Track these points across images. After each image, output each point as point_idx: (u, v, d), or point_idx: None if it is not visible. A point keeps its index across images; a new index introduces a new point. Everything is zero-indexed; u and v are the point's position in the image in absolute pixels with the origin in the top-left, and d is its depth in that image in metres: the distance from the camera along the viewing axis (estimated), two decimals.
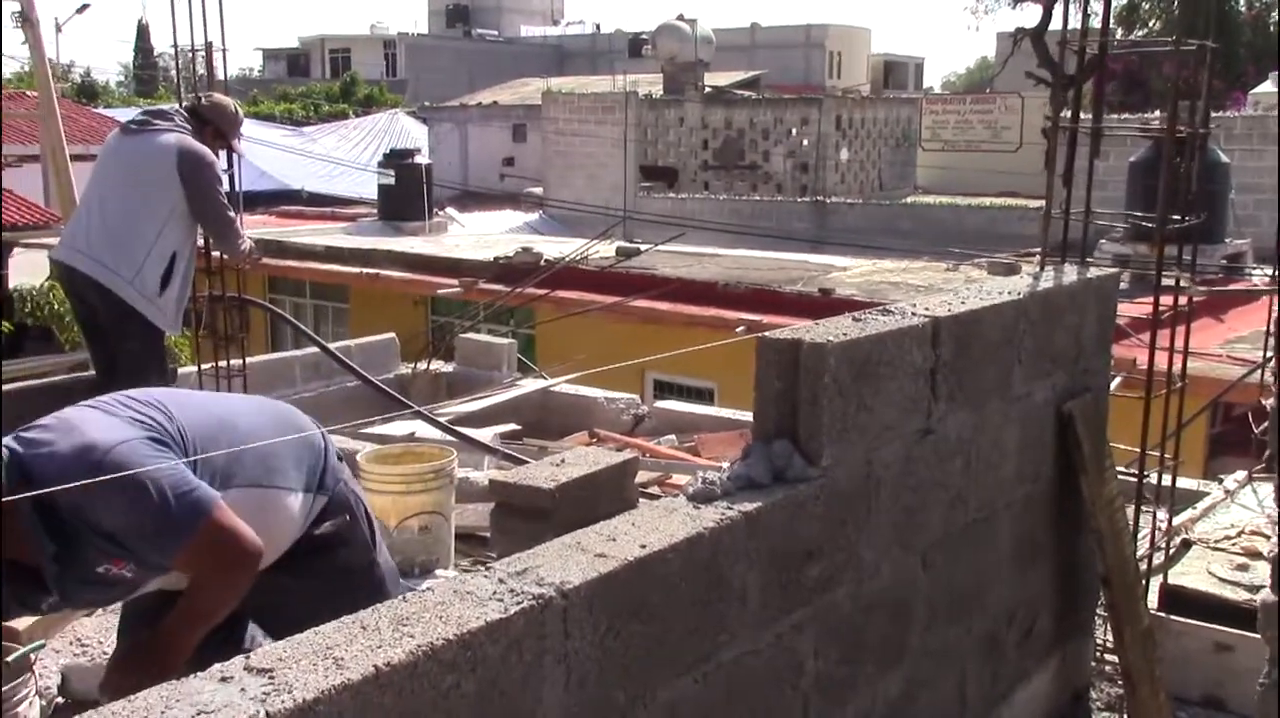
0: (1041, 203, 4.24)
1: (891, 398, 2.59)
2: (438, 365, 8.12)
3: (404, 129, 35.32)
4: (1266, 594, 3.34)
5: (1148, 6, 32.31)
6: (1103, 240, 11.61)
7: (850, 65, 49.25)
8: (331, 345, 7.23)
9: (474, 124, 31.08)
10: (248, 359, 6.10)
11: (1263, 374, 5.21)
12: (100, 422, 2.41)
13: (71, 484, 2.20)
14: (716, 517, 2.12)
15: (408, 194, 20.29)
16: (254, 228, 14.14)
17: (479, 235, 20.17)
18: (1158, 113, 16.97)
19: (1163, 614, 3.77)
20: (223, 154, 5.53)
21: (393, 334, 8.06)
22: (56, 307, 13.69)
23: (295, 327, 8.09)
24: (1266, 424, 4.90)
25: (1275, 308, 5.00)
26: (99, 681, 2.64)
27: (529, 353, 10.45)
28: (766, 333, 2.47)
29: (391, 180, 20.81)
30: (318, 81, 54.51)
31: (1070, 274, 3.50)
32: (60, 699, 3.67)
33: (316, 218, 23.96)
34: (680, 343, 6.50)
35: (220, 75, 5.97)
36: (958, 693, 3.06)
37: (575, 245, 14.13)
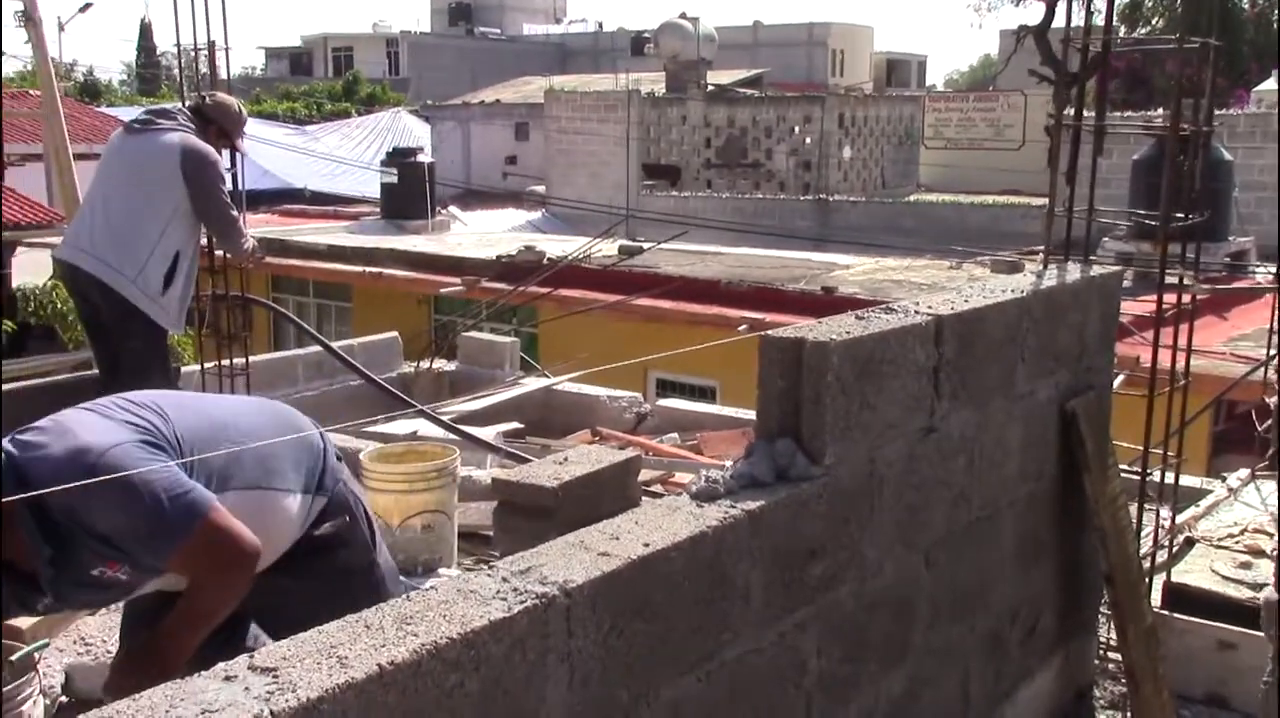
0: (1044, 201, 4.24)
1: (894, 396, 2.59)
2: (440, 364, 8.12)
3: (406, 127, 35.33)
4: (1269, 592, 3.35)
5: (1151, 4, 32.28)
6: (1106, 238, 11.60)
7: (853, 63, 49.22)
8: (334, 344, 7.23)
9: (476, 122, 31.08)
10: (251, 358, 6.10)
11: (1266, 372, 5.21)
12: (95, 425, 2.41)
13: (66, 487, 2.20)
14: (720, 515, 2.13)
15: (410, 193, 20.29)
16: (256, 227, 14.13)
17: (482, 234, 20.17)
18: (1161, 110, 16.95)
19: (1166, 612, 3.76)
20: (226, 153, 5.53)
21: (395, 333, 8.06)
22: (59, 306, 13.72)
23: (298, 325, 8.09)
24: (1270, 422, 4.90)
25: (1278, 306, 5.00)
26: (103, 680, 2.65)
27: (532, 351, 10.45)
28: (769, 331, 2.47)
29: (394, 179, 20.82)
30: (320, 80, 54.55)
31: (1073, 272, 3.50)
32: (64, 698, 3.67)
33: (319, 217, 23.96)
34: (683, 341, 6.50)
35: (223, 74, 5.97)
36: (961, 691, 3.06)
37: (578, 244, 14.14)
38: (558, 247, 15.37)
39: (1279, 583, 3.22)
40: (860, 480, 2.50)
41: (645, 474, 5.19)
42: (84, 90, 48.80)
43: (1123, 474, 3.65)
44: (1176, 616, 3.77)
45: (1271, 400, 4.95)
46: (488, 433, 6.26)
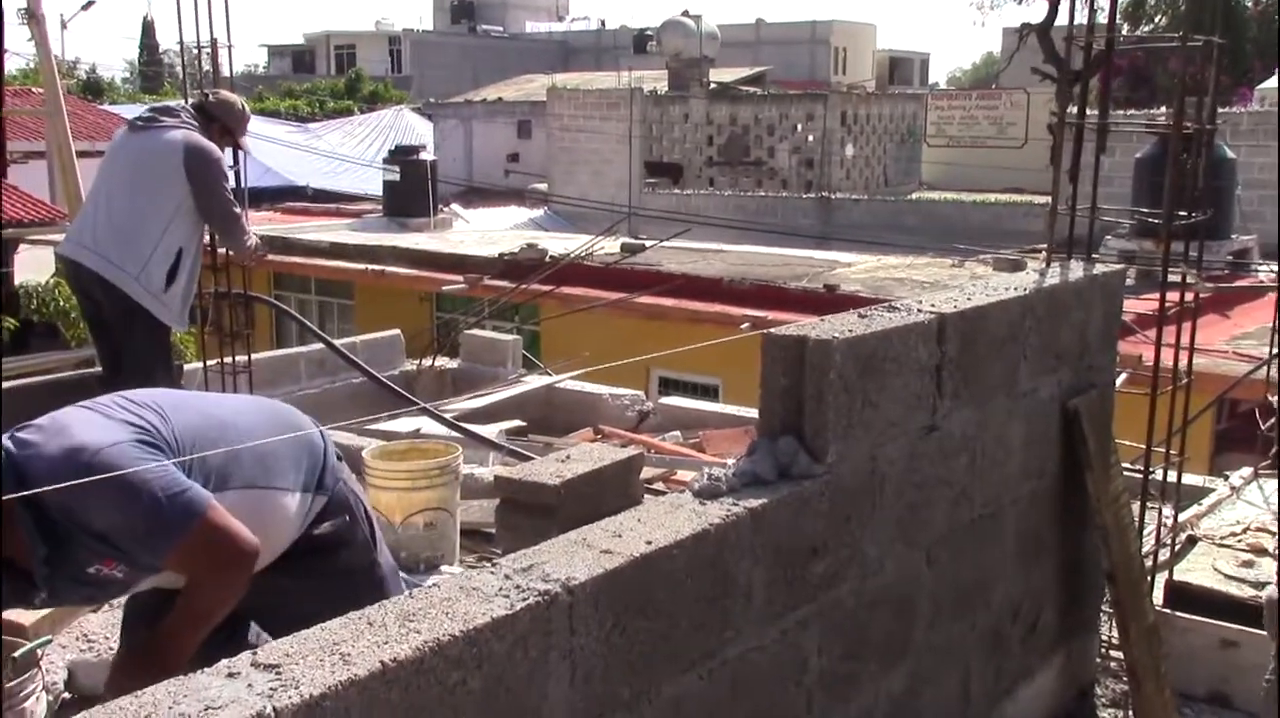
0: (1047, 199, 4.23)
1: (897, 394, 2.59)
2: (443, 362, 8.12)
3: (409, 125, 35.30)
4: (1271, 591, 3.35)
5: (1153, 2, 32.27)
6: (1108, 236, 11.59)
7: (855, 61, 49.20)
8: (337, 342, 7.23)
9: (479, 120, 31.06)
10: (253, 356, 6.11)
11: (1269, 370, 5.21)
12: (92, 423, 2.41)
13: (63, 485, 2.21)
14: (722, 513, 2.13)
15: (413, 190, 20.28)
16: (259, 224, 14.13)
17: (484, 232, 20.16)
18: (1164, 109, 16.93)
19: (1168, 611, 3.76)
20: (228, 151, 5.54)
21: (398, 330, 8.07)
22: (62, 303, 13.72)
23: (301, 323, 8.10)
24: (1272, 420, 4.90)
25: None
26: (105, 677, 2.65)
27: (534, 349, 10.45)
28: (772, 329, 2.47)
29: (396, 177, 20.80)
30: (323, 78, 54.53)
31: (1076, 270, 3.50)
32: (67, 695, 3.67)
33: (321, 214, 23.95)
34: (685, 339, 6.51)
35: (225, 72, 5.98)
36: (962, 689, 3.06)
37: (580, 242, 14.15)
38: (560, 244, 15.38)
39: None
40: (862, 479, 2.51)
41: (647, 472, 5.20)
42: (87, 88, 48.77)
43: (1125, 473, 3.65)
44: (1178, 614, 3.77)
45: (1274, 399, 4.95)
46: (490, 431, 6.26)
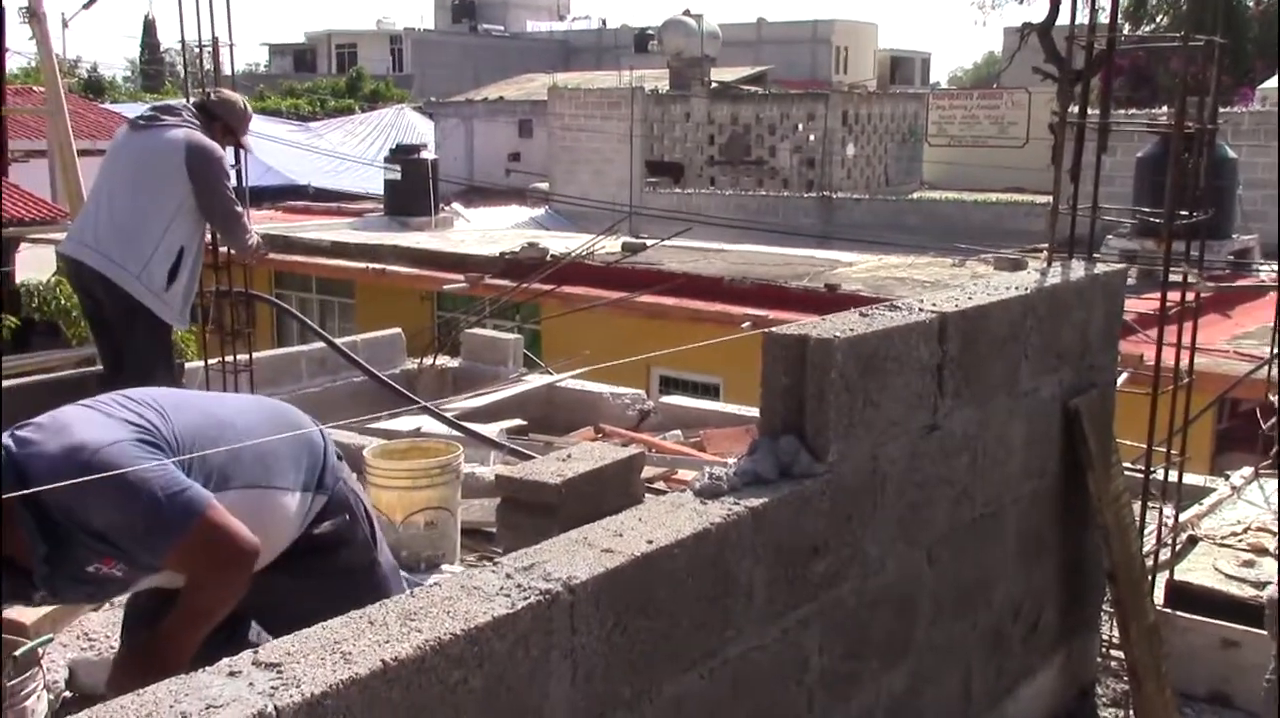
0: (1048, 198, 4.24)
1: (898, 394, 2.59)
2: (444, 361, 8.12)
3: (410, 124, 35.30)
4: (1272, 590, 3.35)
5: (1155, 1, 32.25)
6: (1110, 236, 11.59)
7: (857, 60, 49.20)
8: (338, 341, 7.24)
9: (480, 119, 31.07)
10: (254, 354, 6.11)
11: (1270, 370, 5.20)
12: (92, 422, 2.41)
13: (63, 484, 2.20)
14: (723, 512, 2.13)
15: (414, 189, 20.30)
16: (260, 223, 14.13)
17: (485, 231, 20.17)
18: (1165, 108, 16.94)
19: (1169, 610, 3.76)
20: (230, 150, 5.54)
21: (399, 329, 8.07)
22: (63, 302, 13.72)
23: (302, 322, 8.10)
24: (1273, 420, 4.90)
25: None
26: (106, 676, 2.65)
27: (535, 348, 10.45)
28: (773, 328, 2.47)
29: (398, 176, 20.81)
30: (324, 77, 54.51)
31: (1077, 270, 3.50)
32: (68, 694, 3.68)
33: (323, 213, 23.96)
34: (686, 339, 6.51)
35: (227, 70, 5.98)
36: (963, 688, 3.06)
37: (581, 241, 14.15)
38: (561, 243, 15.39)
39: None
40: (863, 478, 2.51)
41: (648, 471, 5.20)
42: (88, 87, 48.80)
43: (1126, 472, 3.65)
44: (1179, 613, 3.77)
45: (1275, 398, 4.95)
46: (491, 430, 6.26)
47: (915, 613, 2.78)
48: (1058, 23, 18.88)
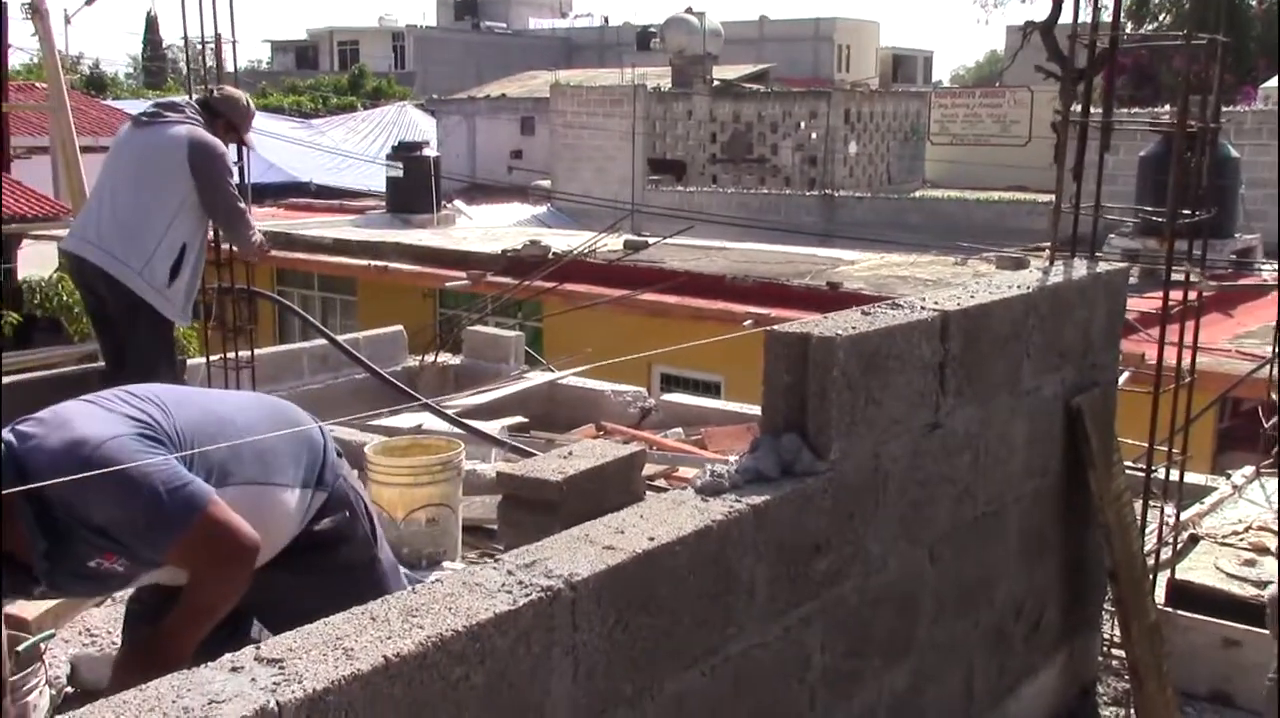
0: (1050, 197, 4.23)
1: (900, 392, 2.59)
2: (445, 358, 8.13)
3: (412, 121, 35.32)
4: (1273, 590, 3.35)
5: (1158, 0, 32.21)
6: (1112, 235, 11.58)
7: (859, 59, 49.20)
8: (339, 338, 7.24)
9: (482, 117, 31.08)
10: (256, 351, 6.11)
11: (1271, 369, 5.20)
12: (93, 417, 2.41)
13: (64, 479, 2.21)
14: (725, 510, 2.13)
15: (416, 187, 20.31)
16: (262, 220, 14.12)
17: (487, 228, 20.19)
18: (1168, 107, 16.92)
19: (1170, 609, 3.76)
20: (232, 147, 5.54)
21: (400, 327, 8.07)
22: (65, 298, 13.73)
23: (304, 319, 8.10)
24: (1275, 419, 4.90)
25: None
26: (108, 671, 2.65)
27: (536, 346, 10.45)
28: (775, 326, 2.47)
29: (399, 173, 20.83)
30: (326, 74, 54.54)
31: (1079, 269, 3.50)
32: (69, 689, 3.68)
33: (324, 210, 23.99)
34: (687, 336, 6.51)
35: (229, 67, 5.98)
36: (964, 687, 3.06)
37: (583, 238, 14.15)
38: (563, 241, 15.39)
39: None
40: (865, 476, 2.51)
41: (650, 469, 5.19)
42: (90, 83, 48.80)
43: (1127, 471, 3.65)
44: (1180, 612, 3.77)
45: (1276, 398, 4.95)
46: (492, 427, 6.27)
47: (917, 611, 2.78)
48: (1060, 21, 18.89)
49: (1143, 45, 21.57)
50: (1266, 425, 5.02)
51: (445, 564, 4.52)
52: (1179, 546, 4.06)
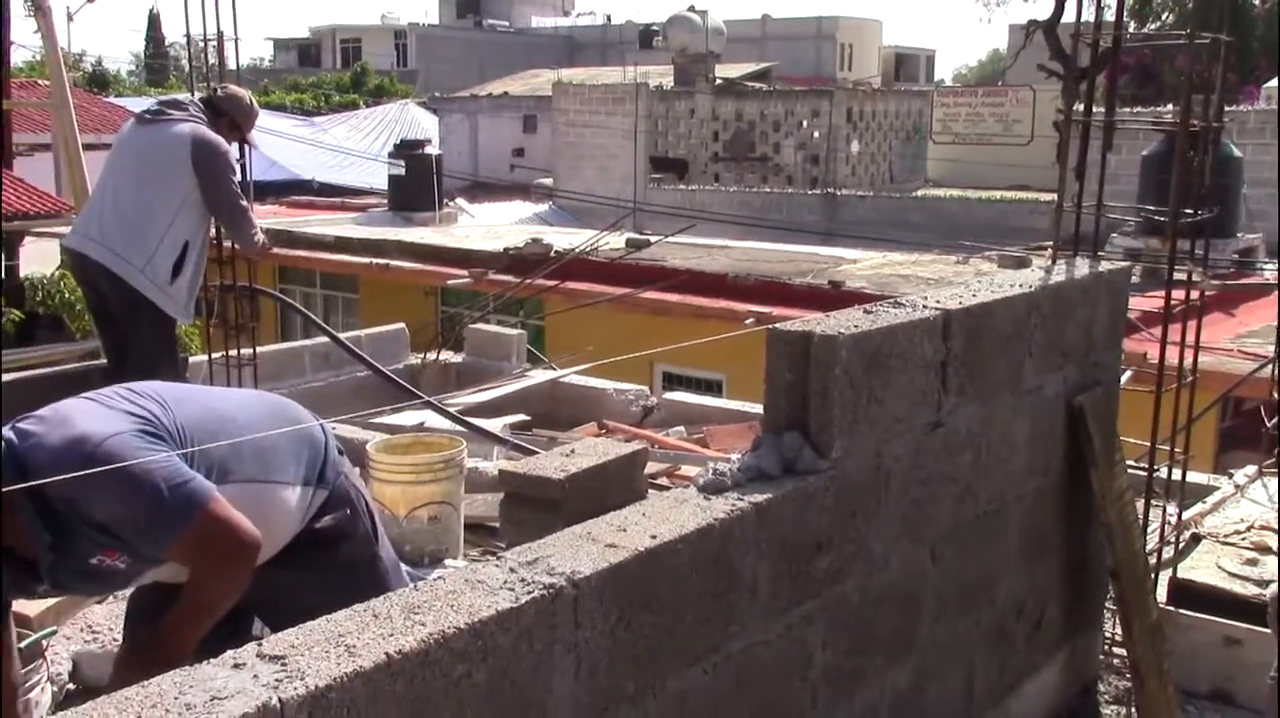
0: (1053, 196, 4.23)
1: (902, 391, 2.59)
2: (447, 356, 8.13)
3: (414, 119, 35.31)
4: (1274, 589, 3.35)
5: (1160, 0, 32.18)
6: (1114, 234, 11.57)
7: (861, 57, 49.17)
8: (341, 335, 7.24)
9: (484, 115, 31.05)
10: (258, 349, 6.12)
11: (1274, 369, 5.20)
12: (94, 414, 2.41)
13: (66, 477, 2.21)
14: (727, 508, 2.13)
15: (418, 185, 20.30)
16: (264, 218, 14.12)
17: (489, 226, 20.18)
18: (1170, 106, 16.91)
19: (1172, 608, 3.76)
20: (234, 145, 5.54)
21: (402, 324, 8.07)
22: (67, 295, 13.74)
23: (306, 316, 8.10)
24: (1276, 419, 4.89)
25: None
26: (110, 668, 2.65)
27: (538, 344, 10.46)
28: (777, 325, 2.47)
29: (402, 171, 20.82)
30: (328, 72, 54.51)
31: (1082, 268, 3.49)
32: (71, 686, 3.68)
33: (327, 208, 23.99)
34: (689, 335, 6.51)
35: (232, 65, 5.98)
36: (966, 685, 3.06)
37: (585, 237, 14.12)
38: (565, 239, 15.38)
39: None
40: (867, 474, 2.51)
41: (651, 467, 5.20)
42: (92, 81, 48.80)
43: (1129, 470, 3.65)
44: (1182, 611, 3.77)
45: (1278, 397, 4.95)
46: (494, 425, 6.27)
47: (919, 610, 2.78)
48: (1063, 20, 18.88)
49: (1146, 44, 21.56)
50: (1268, 425, 5.01)
51: (447, 562, 4.53)
52: (1181, 545, 4.06)
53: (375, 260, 16.50)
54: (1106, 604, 3.82)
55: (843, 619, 2.48)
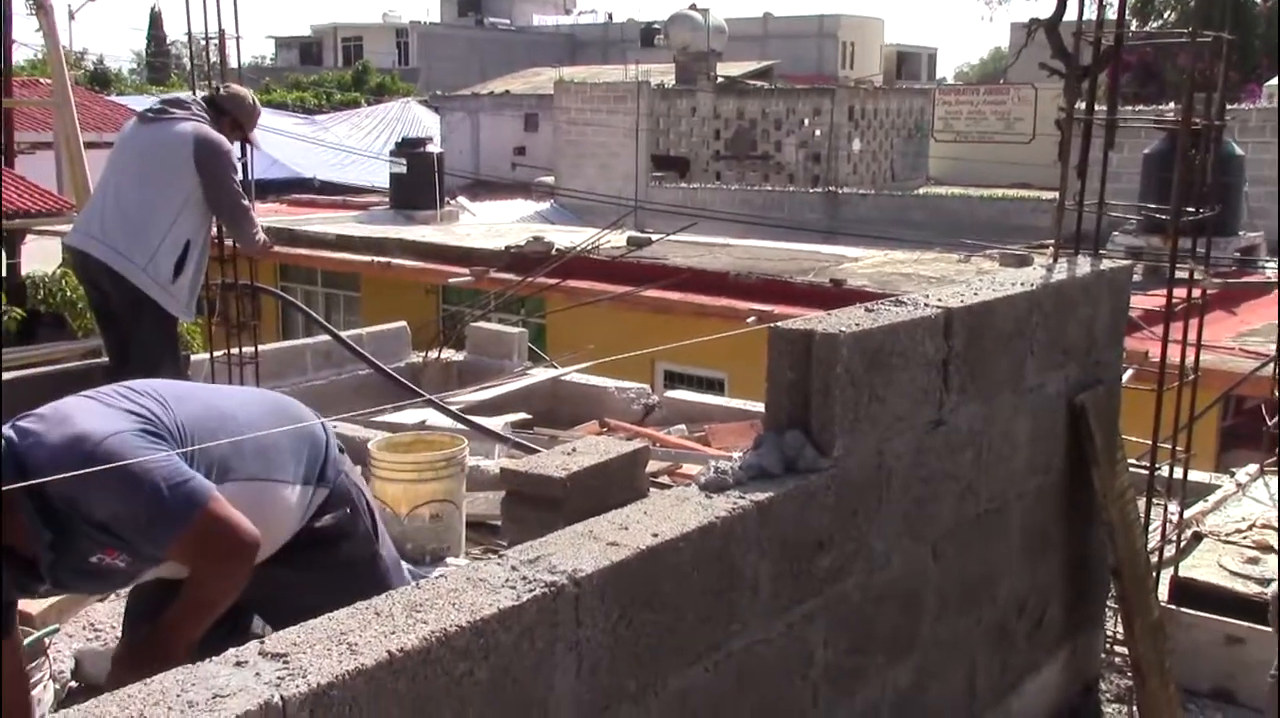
0: (1054, 194, 4.23)
1: (903, 389, 2.59)
2: (449, 354, 8.13)
3: (416, 118, 35.30)
4: (1276, 587, 3.35)
5: None
6: (1116, 232, 11.57)
7: (863, 55, 49.16)
8: (343, 333, 7.24)
9: (486, 113, 31.05)
10: (260, 347, 6.12)
11: (1276, 367, 5.20)
12: (94, 413, 2.41)
13: (65, 475, 2.21)
14: (728, 506, 2.13)
15: (419, 183, 20.28)
16: (265, 216, 14.16)
17: (490, 224, 20.17)
18: (1172, 105, 16.91)
19: (1173, 607, 3.77)
20: (236, 144, 5.55)
21: (404, 323, 8.08)
22: (69, 293, 13.75)
23: (307, 314, 8.11)
24: (1278, 417, 4.89)
25: None
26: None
27: (539, 342, 10.46)
28: (779, 323, 2.47)
29: (403, 169, 20.80)
30: (330, 70, 54.52)
31: (1083, 266, 3.49)
32: (74, 684, 3.69)
33: (328, 206, 23.97)
34: (691, 333, 6.50)
35: (233, 63, 5.98)
36: (967, 684, 3.07)
37: (586, 235, 14.13)
38: (566, 237, 15.37)
39: None
40: (868, 473, 2.51)
41: (653, 466, 5.20)
42: (94, 79, 48.80)
43: (1131, 469, 3.65)
44: (1184, 610, 3.77)
45: (1279, 395, 4.95)
46: (496, 423, 6.27)
47: (920, 608, 2.78)
48: (1065, 18, 18.87)
49: (1147, 43, 21.55)
50: (1270, 423, 5.01)
51: (449, 560, 4.53)
52: (1182, 543, 4.06)
53: (377, 259, 16.49)
54: (1108, 603, 3.82)
55: (844, 618, 2.48)
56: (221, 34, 5.80)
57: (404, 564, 3.17)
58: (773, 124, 25.78)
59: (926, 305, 2.73)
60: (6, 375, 5.23)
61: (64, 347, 12.18)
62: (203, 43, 5.89)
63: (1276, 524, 4.23)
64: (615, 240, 14.28)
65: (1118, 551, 3.43)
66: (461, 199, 23.05)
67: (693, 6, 27.67)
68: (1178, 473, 3.94)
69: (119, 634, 3.62)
